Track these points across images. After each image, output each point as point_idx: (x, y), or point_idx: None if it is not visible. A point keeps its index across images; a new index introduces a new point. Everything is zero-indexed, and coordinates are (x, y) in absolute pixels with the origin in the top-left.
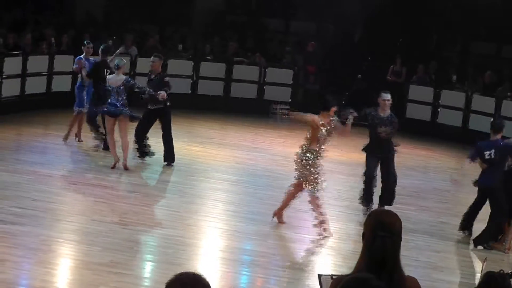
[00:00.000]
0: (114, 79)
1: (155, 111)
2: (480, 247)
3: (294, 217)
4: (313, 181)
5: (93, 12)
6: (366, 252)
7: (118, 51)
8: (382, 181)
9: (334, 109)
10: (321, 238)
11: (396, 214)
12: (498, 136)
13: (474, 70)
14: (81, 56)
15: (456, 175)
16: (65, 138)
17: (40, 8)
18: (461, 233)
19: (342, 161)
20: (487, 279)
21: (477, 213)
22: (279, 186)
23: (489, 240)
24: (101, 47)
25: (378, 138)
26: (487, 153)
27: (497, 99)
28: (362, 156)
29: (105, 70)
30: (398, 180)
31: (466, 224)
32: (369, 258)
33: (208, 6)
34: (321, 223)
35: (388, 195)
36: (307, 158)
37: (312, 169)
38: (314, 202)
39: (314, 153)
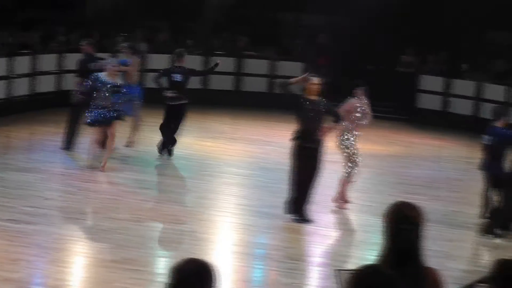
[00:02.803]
0: None
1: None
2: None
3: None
4: None
5: (103, 9)
6: (391, 245)
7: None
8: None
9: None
10: (334, 230)
11: (418, 206)
12: (499, 124)
13: (485, 59)
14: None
15: None
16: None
17: (49, 6)
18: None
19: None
20: (501, 267)
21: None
22: None
23: (495, 228)
24: (127, 45)
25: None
26: (486, 137)
27: (508, 88)
28: (373, 147)
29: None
30: (410, 171)
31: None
32: (394, 252)
33: (218, 0)
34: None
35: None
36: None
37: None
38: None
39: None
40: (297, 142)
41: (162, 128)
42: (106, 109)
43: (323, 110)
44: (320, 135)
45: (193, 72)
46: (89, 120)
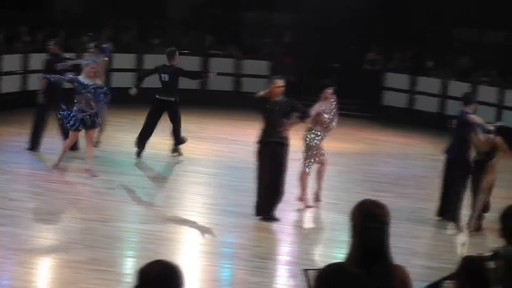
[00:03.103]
0: None
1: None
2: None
3: None
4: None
5: (68, 9)
6: (358, 244)
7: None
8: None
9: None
10: (301, 228)
11: (384, 204)
12: (467, 109)
13: (450, 56)
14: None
15: None
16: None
17: (13, 6)
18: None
19: None
20: (466, 264)
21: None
22: None
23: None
24: (95, 44)
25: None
26: (453, 121)
27: (472, 84)
28: (339, 145)
29: None
30: (377, 168)
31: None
32: (362, 250)
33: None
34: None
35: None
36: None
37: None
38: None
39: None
40: (262, 140)
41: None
42: (86, 114)
43: (289, 109)
44: (284, 132)
45: (180, 72)
46: (70, 124)
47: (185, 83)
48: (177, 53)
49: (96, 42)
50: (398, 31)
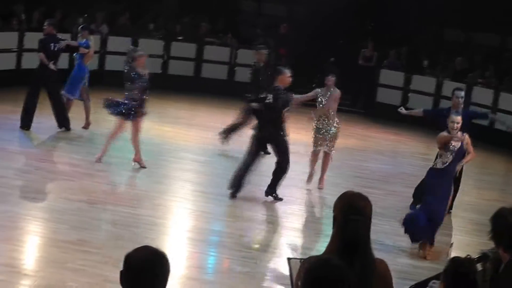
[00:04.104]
0: None
1: None
2: None
3: (261, 199)
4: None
5: None
6: (339, 236)
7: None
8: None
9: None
10: (289, 220)
11: (367, 197)
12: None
13: (445, 56)
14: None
15: None
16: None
17: None
18: None
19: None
20: (454, 264)
21: None
22: None
23: None
24: (82, 26)
25: None
26: None
27: (467, 85)
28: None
29: None
30: (367, 164)
31: None
32: (342, 242)
33: None
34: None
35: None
36: None
37: None
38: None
39: None
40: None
41: None
42: (136, 103)
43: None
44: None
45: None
46: (117, 112)
47: (179, 69)
48: (262, 50)
49: (84, 24)
50: (393, 28)
